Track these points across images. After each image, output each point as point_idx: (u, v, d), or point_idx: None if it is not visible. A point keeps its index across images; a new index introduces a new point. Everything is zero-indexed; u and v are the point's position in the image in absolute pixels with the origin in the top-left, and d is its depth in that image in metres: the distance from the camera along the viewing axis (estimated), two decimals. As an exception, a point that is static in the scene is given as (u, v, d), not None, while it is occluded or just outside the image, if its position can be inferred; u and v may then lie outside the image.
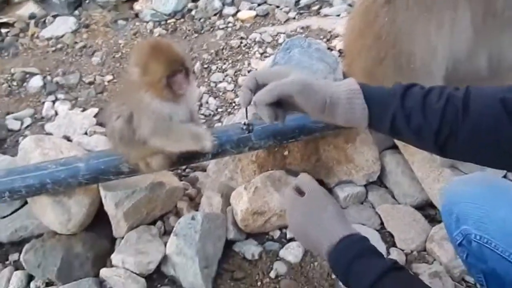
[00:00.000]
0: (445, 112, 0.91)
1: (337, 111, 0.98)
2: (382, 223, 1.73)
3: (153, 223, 1.71)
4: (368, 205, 1.80)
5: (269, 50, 2.55)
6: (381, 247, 1.61)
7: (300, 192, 1.05)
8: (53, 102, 2.39)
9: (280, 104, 1.00)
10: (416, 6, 1.55)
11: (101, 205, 1.63)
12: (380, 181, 1.85)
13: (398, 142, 1.80)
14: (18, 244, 1.68)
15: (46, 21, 2.99)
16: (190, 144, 1.26)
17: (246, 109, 1.12)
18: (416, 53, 1.58)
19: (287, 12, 2.87)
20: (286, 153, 1.75)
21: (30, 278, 1.59)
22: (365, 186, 1.81)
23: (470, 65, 1.64)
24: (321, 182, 1.79)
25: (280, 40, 2.58)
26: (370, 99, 0.97)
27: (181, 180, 1.87)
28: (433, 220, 1.72)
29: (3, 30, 2.89)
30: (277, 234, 1.68)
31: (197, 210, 1.75)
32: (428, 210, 1.77)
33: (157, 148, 1.28)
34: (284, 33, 2.64)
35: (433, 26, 1.56)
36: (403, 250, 1.63)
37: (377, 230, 1.69)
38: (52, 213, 1.55)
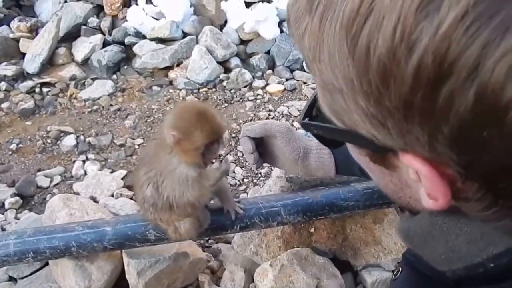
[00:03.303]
0: None
1: (309, 160, 1.10)
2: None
3: (173, 294, 1.63)
4: (396, 291, 1.69)
5: (295, 124, 2.56)
6: None
7: None
8: (84, 161, 2.40)
9: (261, 149, 1.10)
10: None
11: (122, 272, 1.56)
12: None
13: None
14: (33, 307, 1.61)
15: (86, 83, 3.09)
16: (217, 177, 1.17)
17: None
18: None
19: (314, 88, 2.91)
20: (312, 230, 1.69)
21: None
22: (393, 271, 1.71)
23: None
24: (347, 264, 1.71)
25: (307, 115, 2.60)
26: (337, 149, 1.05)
27: (204, 251, 1.80)
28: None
29: (44, 90, 2.98)
30: (300, 316, 1.58)
31: (218, 284, 1.66)
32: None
33: (185, 210, 1.23)
34: (311, 108, 2.67)
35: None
36: None
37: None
38: (73, 277, 1.49)
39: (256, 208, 1.44)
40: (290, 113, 2.64)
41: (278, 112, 2.66)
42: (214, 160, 1.12)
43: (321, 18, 0.37)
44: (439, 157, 0.35)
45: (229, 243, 1.83)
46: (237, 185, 2.19)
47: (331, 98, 0.40)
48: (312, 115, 0.52)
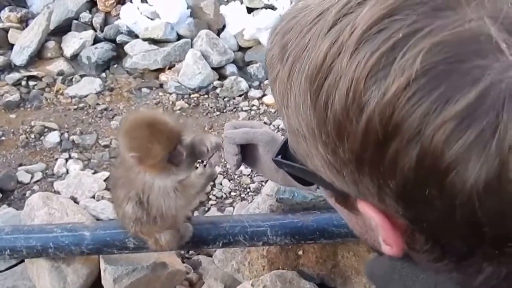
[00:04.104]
0: None
1: None
2: None
3: (148, 304, 1.65)
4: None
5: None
6: None
7: None
8: (66, 160, 2.42)
9: (242, 151, 1.08)
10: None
11: (98, 276, 1.59)
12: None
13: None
14: (5, 304, 1.63)
15: (73, 79, 3.11)
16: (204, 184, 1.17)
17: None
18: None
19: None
20: (300, 252, 1.71)
21: None
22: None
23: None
24: (335, 291, 1.74)
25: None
26: None
27: (183, 262, 1.83)
28: None
29: (31, 83, 3.00)
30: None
31: (196, 297, 1.69)
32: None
33: (167, 222, 1.26)
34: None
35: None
36: None
37: None
38: (48, 278, 1.52)
39: (242, 226, 1.47)
40: (285, 127, 2.67)
41: (274, 126, 2.69)
42: (197, 166, 1.14)
43: (290, 69, 0.41)
44: (388, 208, 0.39)
45: (211, 256, 1.85)
46: (223, 198, 2.23)
47: (296, 142, 0.45)
48: (285, 153, 0.57)
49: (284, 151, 0.66)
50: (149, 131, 1.05)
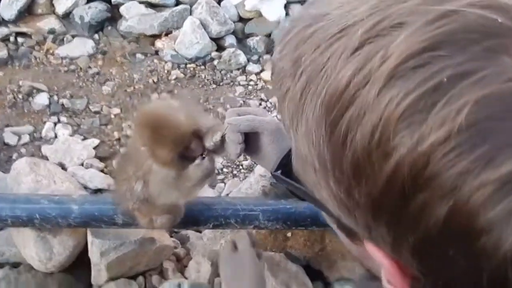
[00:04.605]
0: None
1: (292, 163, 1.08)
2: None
3: (134, 277, 1.67)
4: (362, 305, 1.76)
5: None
6: None
7: (236, 246, 1.18)
8: (55, 124, 2.39)
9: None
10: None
11: (85, 248, 1.59)
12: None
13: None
14: (-10, 267, 1.63)
15: (65, 39, 3.03)
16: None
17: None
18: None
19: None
20: (289, 234, 1.73)
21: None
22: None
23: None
24: (320, 274, 1.77)
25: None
26: None
27: (171, 237, 1.83)
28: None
29: (20, 40, 2.92)
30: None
31: (183, 273, 1.71)
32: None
33: (167, 208, 1.25)
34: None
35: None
36: None
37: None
38: (33, 248, 1.52)
39: (234, 209, 1.47)
40: (281, 105, 2.64)
41: (271, 103, 2.65)
42: (196, 156, 1.08)
43: (303, 89, 0.37)
44: (402, 259, 0.36)
45: (199, 231, 1.86)
46: (215, 174, 2.22)
47: (303, 168, 0.41)
48: (285, 167, 0.53)
49: (284, 166, 0.62)
50: (153, 135, 1.00)
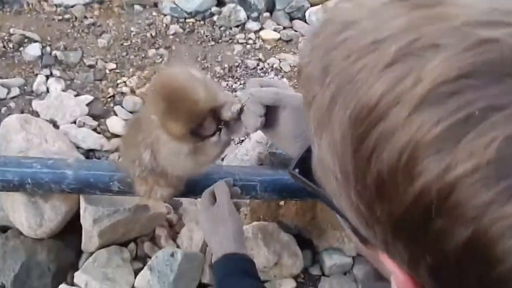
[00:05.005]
0: None
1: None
2: (362, 299, 1.73)
3: (126, 243, 1.66)
4: (351, 277, 1.79)
5: (284, 80, 2.52)
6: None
7: (215, 198, 1.19)
8: (47, 77, 2.31)
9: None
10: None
11: (77, 213, 1.57)
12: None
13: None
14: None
15: (59, -16, 2.90)
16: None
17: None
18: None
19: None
20: (281, 203, 1.73)
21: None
22: (353, 257, 1.80)
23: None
24: (310, 243, 1.78)
25: (298, 73, 2.56)
26: None
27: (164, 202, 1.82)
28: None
29: (11, -17, 2.79)
30: None
31: (175, 240, 1.70)
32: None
33: (172, 180, 1.22)
34: (304, 66, 2.61)
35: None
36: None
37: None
38: (23, 213, 1.49)
39: (232, 179, 1.45)
40: (280, 68, 2.57)
41: (268, 64, 2.59)
42: (209, 135, 1.04)
43: (331, 98, 0.36)
44: (417, 276, 0.36)
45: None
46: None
47: (325, 175, 0.41)
48: (303, 165, 0.53)
49: (302, 163, 0.61)
50: (168, 106, 0.94)
